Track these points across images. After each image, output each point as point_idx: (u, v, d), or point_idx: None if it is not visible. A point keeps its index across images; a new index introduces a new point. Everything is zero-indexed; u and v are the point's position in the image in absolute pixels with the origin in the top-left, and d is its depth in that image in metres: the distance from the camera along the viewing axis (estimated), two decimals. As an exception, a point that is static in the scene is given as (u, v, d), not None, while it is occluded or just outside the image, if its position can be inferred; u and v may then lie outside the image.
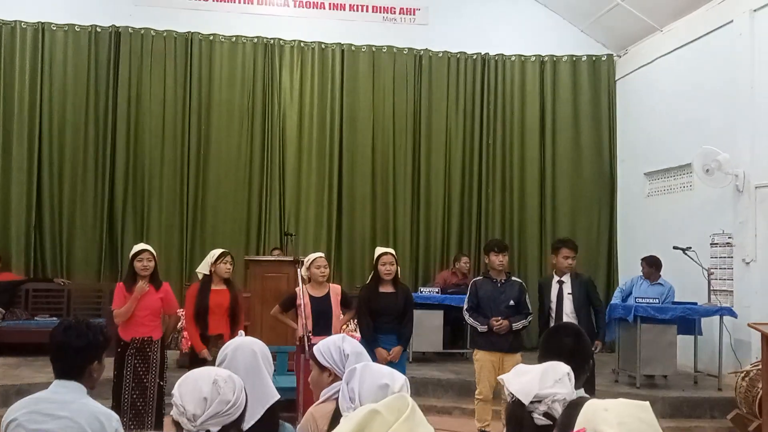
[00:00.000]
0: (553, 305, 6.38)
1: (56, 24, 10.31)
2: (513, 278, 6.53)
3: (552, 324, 6.16)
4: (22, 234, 10.04)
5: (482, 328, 6.26)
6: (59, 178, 10.23)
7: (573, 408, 1.84)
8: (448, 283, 9.94)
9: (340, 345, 2.93)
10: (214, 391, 2.18)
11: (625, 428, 1.50)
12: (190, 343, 6.71)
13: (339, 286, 6.63)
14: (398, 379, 2.41)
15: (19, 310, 9.40)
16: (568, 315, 6.26)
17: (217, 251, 6.41)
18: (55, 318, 9.17)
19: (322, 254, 6.54)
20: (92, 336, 2.81)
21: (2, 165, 10.05)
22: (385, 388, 2.35)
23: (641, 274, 8.81)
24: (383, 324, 6.21)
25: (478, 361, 6.35)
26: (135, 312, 5.86)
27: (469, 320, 6.40)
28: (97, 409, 2.77)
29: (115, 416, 2.82)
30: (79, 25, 10.36)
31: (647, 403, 1.59)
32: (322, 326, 6.07)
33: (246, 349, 2.78)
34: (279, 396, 2.78)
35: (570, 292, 6.34)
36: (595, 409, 1.59)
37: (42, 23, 10.27)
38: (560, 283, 6.41)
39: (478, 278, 6.64)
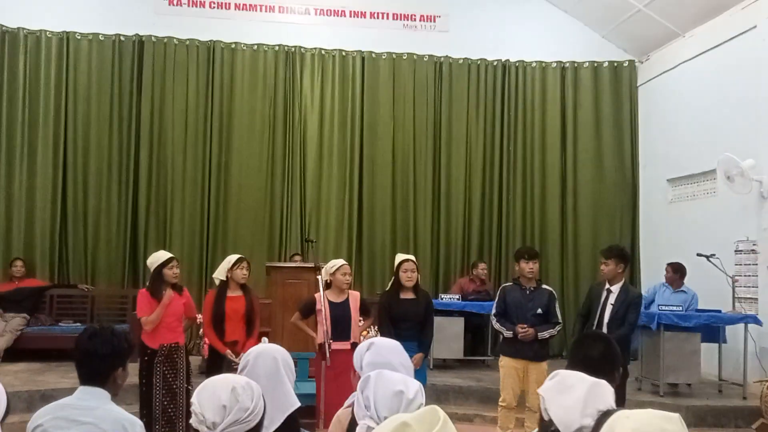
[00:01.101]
0: (597, 312, 6.18)
1: (80, 33, 10.45)
2: (543, 286, 6.41)
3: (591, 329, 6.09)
4: (46, 241, 10.16)
5: (507, 334, 6.21)
6: (83, 185, 10.35)
7: (603, 417, 1.83)
8: (466, 290, 9.90)
9: (363, 353, 2.93)
10: (232, 398, 2.21)
11: None
12: (208, 349, 6.75)
13: (358, 293, 6.61)
14: (412, 386, 2.41)
15: (44, 316, 9.50)
16: (605, 325, 6.08)
17: (234, 257, 6.44)
18: (78, 324, 9.27)
19: (345, 261, 6.55)
20: (117, 343, 2.83)
21: (27, 172, 10.18)
22: (399, 395, 2.35)
23: (664, 281, 8.73)
24: (404, 330, 6.18)
25: (503, 367, 6.29)
26: (162, 318, 5.91)
27: (496, 325, 6.34)
28: (121, 415, 2.79)
29: (139, 422, 2.84)
30: (103, 34, 10.49)
31: (677, 415, 1.56)
32: (341, 332, 6.10)
33: (267, 356, 2.79)
34: (299, 404, 2.78)
35: (612, 302, 6.12)
36: (618, 417, 1.58)
37: (66, 32, 10.40)
38: (608, 291, 6.20)
39: (508, 284, 6.57)
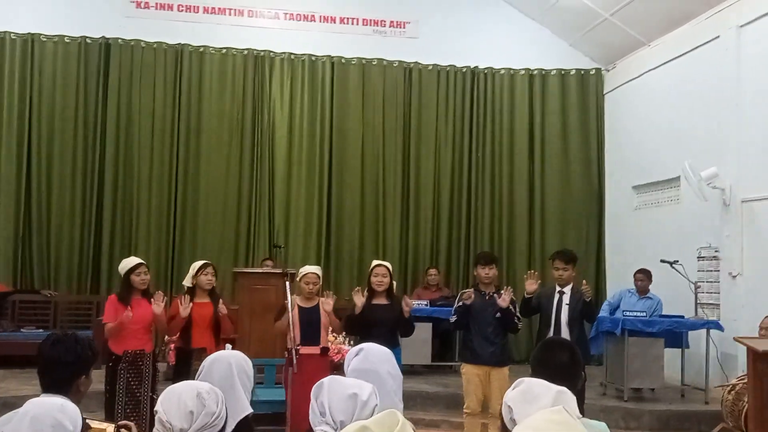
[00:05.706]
0: (552, 315, 6.31)
1: (46, 35, 10.30)
2: (502, 291, 6.48)
3: (549, 333, 6.18)
4: (9, 245, 9.98)
5: (467, 299, 6.16)
6: (47, 189, 10.20)
7: None
8: (422, 299, 9.79)
9: (351, 358, 2.86)
10: (199, 404, 2.22)
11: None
12: (175, 356, 6.69)
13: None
14: (366, 388, 2.40)
15: (6, 322, 9.33)
16: (565, 324, 6.24)
17: (199, 263, 6.45)
18: (41, 330, 9.11)
19: (316, 269, 6.54)
20: (81, 350, 2.80)
21: (-10, 176, 10.02)
22: (353, 398, 2.34)
23: (630, 288, 8.82)
24: (377, 336, 6.18)
25: (464, 374, 6.32)
26: (128, 325, 5.82)
27: (453, 318, 6.34)
28: (84, 423, 2.76)
29: (102, 430, 2.80)
30: (69, 36, 10.35)
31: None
32: (311, 336, 6.18)
33: (222, 362, 2.77)
34: (251, 410, 2.75)
35: (568, 303, 6.30)
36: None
37: (32, 34, 10.25)
38: (560, 293, 6.36)
39: (467, 290, 6.63)
